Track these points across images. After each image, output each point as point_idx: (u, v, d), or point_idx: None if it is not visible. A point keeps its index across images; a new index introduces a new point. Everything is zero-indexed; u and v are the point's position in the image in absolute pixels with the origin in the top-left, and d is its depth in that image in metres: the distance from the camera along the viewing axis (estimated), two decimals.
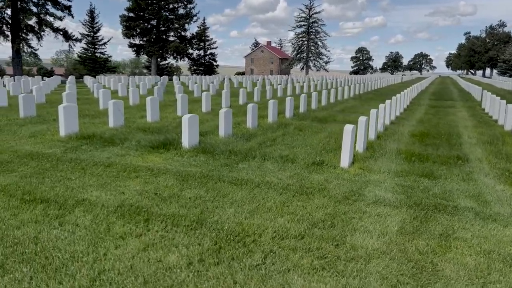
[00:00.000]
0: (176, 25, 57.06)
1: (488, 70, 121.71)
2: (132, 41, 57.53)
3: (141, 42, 57.67)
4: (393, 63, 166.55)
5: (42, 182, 5.88)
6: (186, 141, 8.42)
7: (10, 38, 36.97)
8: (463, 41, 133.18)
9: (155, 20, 56.22)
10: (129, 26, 55.13)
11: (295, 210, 4.94)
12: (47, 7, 38.33)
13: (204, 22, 75.40)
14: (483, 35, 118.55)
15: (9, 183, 5.72)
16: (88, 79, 31.81)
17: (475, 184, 6.23)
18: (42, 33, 38.10)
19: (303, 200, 5.34)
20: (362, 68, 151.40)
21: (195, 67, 74.47)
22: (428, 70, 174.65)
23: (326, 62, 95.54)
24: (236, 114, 12.94)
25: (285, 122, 12.63)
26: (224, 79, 44.16)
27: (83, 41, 58.70)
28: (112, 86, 25.58)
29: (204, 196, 5.45)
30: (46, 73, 54.34)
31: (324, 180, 6.26)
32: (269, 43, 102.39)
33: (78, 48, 58.03)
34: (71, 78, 27.61)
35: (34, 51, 38.96)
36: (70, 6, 39.95)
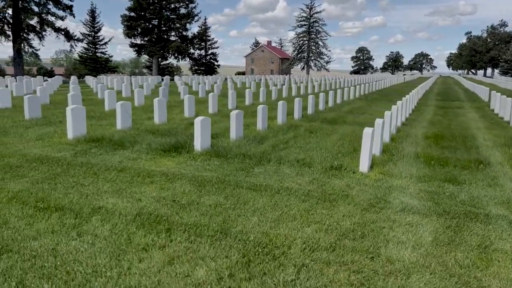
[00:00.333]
0: (178, 25, 56.81)
1: (489, 70, 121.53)
2: (133, 40, 57.27)
3: (143, 42, 57.42)
4: (394, 63, 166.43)
5: (54, 188, 5.67)
6: (198, 144, 8.22)
7: (11, 38, 36.73)
8: (464, 41, 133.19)
9: (157, 20, 55.95)
10: (131, 26, 54.86)
11: (321, 219, 4.73)
12: (49, 6, 38.10)
13: (205, 22, 75.18)
14: (484, 35, 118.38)
15: (21, 190, 5.52)
16: (90, 80, 31.59)
17: (502, 190, 6.03)
18: (44, 33, 37.88)
19: (327, 208, 5.14)
20: (362, 68, 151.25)
21: (196, 67, 74.23)
22: (428, 70, 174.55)
23: (327, 62, 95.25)
24: (243, 115, 12.73)
25: (294, 123, 12.43)
26: (226, 79, 43.97)
27: (84, 41, 58.45)
28: (116, 87, 25.36)
29: (224, 203, 5.25)
30: (46, 73, 54.12)
31: (345, 186, 6.05)
32: (269, 42, 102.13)
33: (79, 48, 57.74)
34: (74, 79, 27.40)
35: (35, 51, 38.72)
36: (71, 6, 39.72)
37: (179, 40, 57.92)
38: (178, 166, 7.08)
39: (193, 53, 67.52)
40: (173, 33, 58.43)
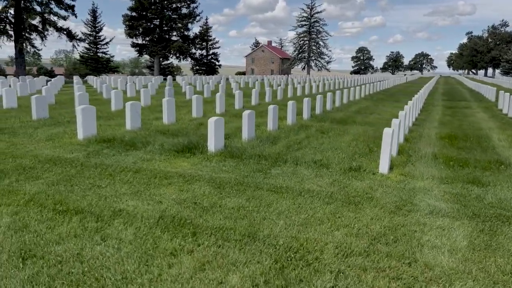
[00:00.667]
0: (179, 25, 56.66)
1: (490, 70, 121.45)
2: (135, 40, 57.13)
3: (144, 41, 57.27)
4: (394, 63, 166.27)
5: (71, 190, 5.54)
6: (212, 145, 8.08)
7: (13, 37, 36.57)
8: (464, 41, 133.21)
9: (158, 20, 55.82)
10: (132, 26, 54.71)
11: (349, 223, 4.60)
12: (51, 6, 37.95)
13: (207, 22, 75.02)
14: (485, 35, 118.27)
15: (37, 192, 5.38)
16: (93, 79, 31.45)
17: None
18: (46, 32, 37.72)
19: (353, 211, 5.00)
20: (362, 68, 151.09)
21: (197, 67, 74.07)
22: (429, 70, 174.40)
23: (328, 62, 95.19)
24: None
25: (304, 124, 12.30)
26: (228, 79, 43.83)
27: (85, 41, 58.23)
28: (120, 86, 25.22)
29: (246, 205, 5.11)
30: (46, 72, 53.92)
31: (368, 188, 5.92)
32: (269, 42, 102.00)
33: (80, 47, 57.46)
34: (78, 79, 27.26)
35: (37, 51, 38.55)
36: (73, 6, 39.56)
37: (180, 40, 57.77)
38: (194, 167, 6.94)
39: (195, 53, 67.37)
40: (174, 33, 58.29)
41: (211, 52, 75.82)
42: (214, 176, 6.42)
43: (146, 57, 66.97)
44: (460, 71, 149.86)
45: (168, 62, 65.64)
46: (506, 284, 3.39)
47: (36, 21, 37.76)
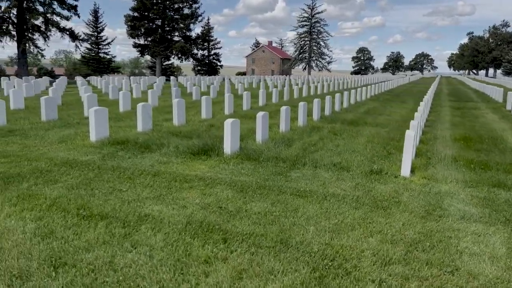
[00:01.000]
0: (181, 25, 56.55)
1: (491, 70, 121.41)
2: (137, 41, 57.03)
3: (146, 42, 57.14)
4: (394, 63, 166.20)
5: (92, 194, 5.43)
6: (228, 147, 7.98)
7: (16, 38, 36.46)
8: (464, 41, 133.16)
9: (160, 20, 55.71)
10: (134, 26, 54.60)
11: (382, 229, 4.49)
12: (54, 6, 37.86)
13: (208, 22, 74.96)
14: (486, 35, 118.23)
15: (58, 196, 5.27)
16: (97, 80, 31.34)
17: None
18: (49, 33, 37.61)
19: (383, 216, 4.90)
20: (363, 68, 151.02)
21: (199, 67, 73.99)
22: (429, 70, 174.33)
23: (329, 62, 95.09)
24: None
25: (315, 125, 12.19)
26: (230, 79, 43.73)
27: (88, 41, 58.13)
28: (124, 87, 25.10)
29: (273, 210, 5.01)
30: (47, 73, 53.67)
31: (394, 192, 5.81)
32: (270, 43, 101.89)
33: (82, 48, 57.15)
34: (82, 80, 27.14)
35: (40, 51, 38.44)
36: (76, 6, 39.55)
37: (182, 40, 57.65)
38: (212, 170, 6.84)
39: (197, 54, 67.27)
40: (176, 34, 58.17)
41: (212, 52, 75.79)
42: (234, 179, 6.32)
43: (147, 57, 66.87)
44: (461, 71, 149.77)
45: (170, 62, 65.55)
46: None
47: (39, 22, 37.69)
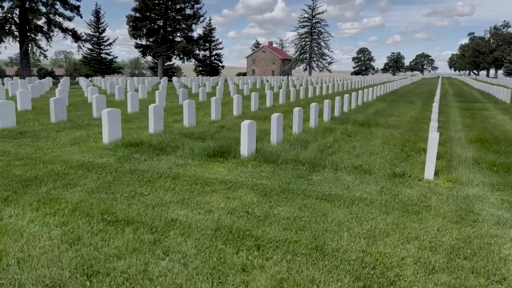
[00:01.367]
0: (183, 26, 56.38)
1: (492, 71, 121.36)
2: (138, 41, 56.88)
3: (148, 42, 57.00)
4: (395, 64, 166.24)
5: (114, 198, 5.30)
6: (245, 149, 7.84)
7: (18, 38, 36.32)
8: (465, 42, 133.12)
9: (162, 21, 55.56)
10: (136, 27, 54.43)
11: (417, 235, 4.36)
12: (56, 7, 37.71)
13: (210, 23, 74.80)
14: (487, 35, 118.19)
15: (79, 200, 5.14)
16: (101, 80, 31.20)
17: None
18: (51, 33, 37.48)
19: (415, 221, 4.76)
20: (363, 68, 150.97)
21: (200, 68, 73.88)
22: (429, 71, 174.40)
23: (329, 63, 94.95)
24: (268, 118, 12.38)
25: (328, 126, 12.06)
26: (232, 80, 43.59)
27: (90, 42, 57.97)
28: (129, 88, 24.99)
29: (301, 215, 4.87)
30: (47, 73, 53.54)
31: (421, 196, 5.68)
32: (270, 43, 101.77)
33: (84, 48, 56.85)
34: (86, 80, 26.99)
35: (43, 51, 38.30)
36: (78, 6, 39.40)
37: (184, 41, 57.51)
38: (231, 173, 6.70)
39: (198, 54, 67.12)
40: (178, 34, 58.01)
41: (214, 53, 75.69)
42: (256, 182, 6.18)
43: (147, 58, 66.71)
44: (461, 72, 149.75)
45: (171, 63, 65.41)
46: None
47: (41, 22, 37.54)
